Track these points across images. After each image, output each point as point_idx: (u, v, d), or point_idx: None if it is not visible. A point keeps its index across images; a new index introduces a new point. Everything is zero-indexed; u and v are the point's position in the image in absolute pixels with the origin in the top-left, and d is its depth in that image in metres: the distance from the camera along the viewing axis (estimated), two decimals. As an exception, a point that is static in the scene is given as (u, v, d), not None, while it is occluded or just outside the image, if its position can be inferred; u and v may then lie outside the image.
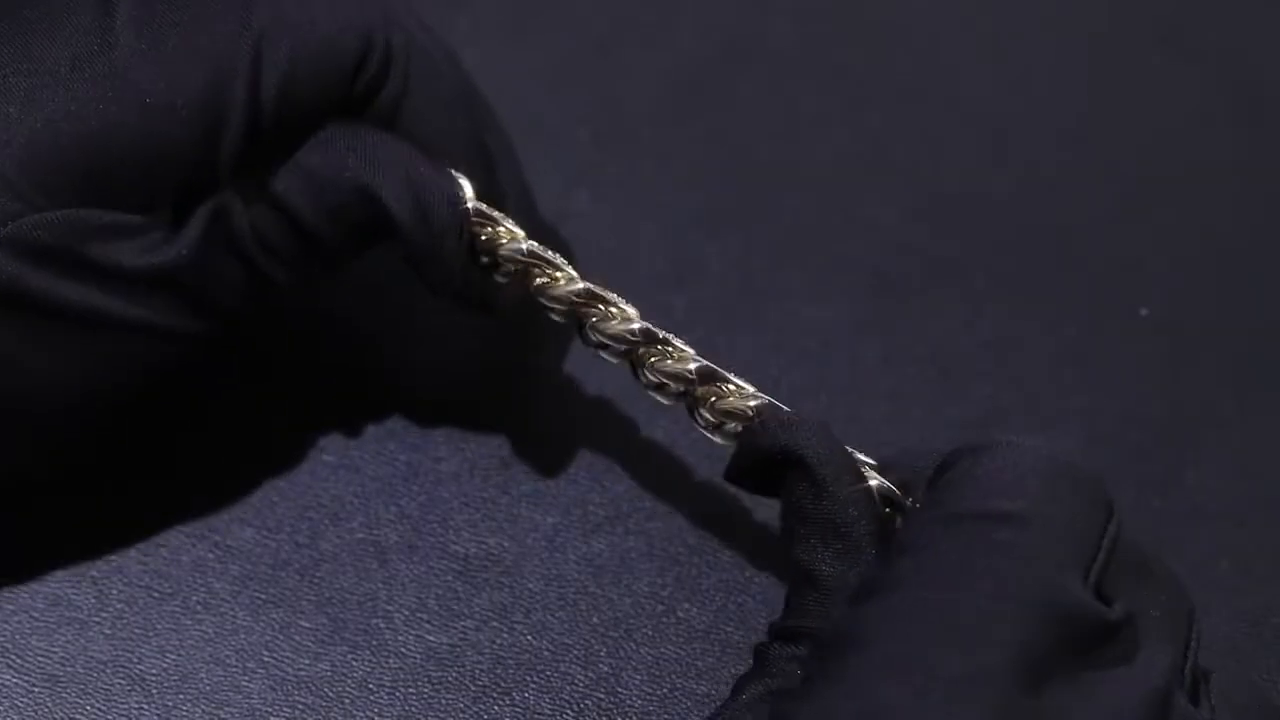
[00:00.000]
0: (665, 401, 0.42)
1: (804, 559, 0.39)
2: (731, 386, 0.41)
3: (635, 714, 0.43)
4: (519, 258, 0.42)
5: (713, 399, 0.41)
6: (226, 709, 0.42)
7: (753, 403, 0.41)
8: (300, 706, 0.42)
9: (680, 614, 0.44)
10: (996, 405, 0.48)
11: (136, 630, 0.43)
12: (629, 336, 0.42)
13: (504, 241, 0.43)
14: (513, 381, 0.47)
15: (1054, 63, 0.54)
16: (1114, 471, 0.47)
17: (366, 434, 0.46)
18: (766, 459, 0.40)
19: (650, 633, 0.44)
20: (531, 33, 0.54)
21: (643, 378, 0.42)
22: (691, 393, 0.41)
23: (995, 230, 0.51)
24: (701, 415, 0.41)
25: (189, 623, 0.43)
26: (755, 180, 0.51)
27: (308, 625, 0.43)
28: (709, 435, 0.42)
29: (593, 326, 0.42)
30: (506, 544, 0.45)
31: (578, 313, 0.42)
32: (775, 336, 0.47)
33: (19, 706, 0.42)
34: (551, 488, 0.46)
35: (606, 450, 0.46)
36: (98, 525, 0.44)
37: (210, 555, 0.44)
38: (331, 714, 0.42)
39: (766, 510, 0.45)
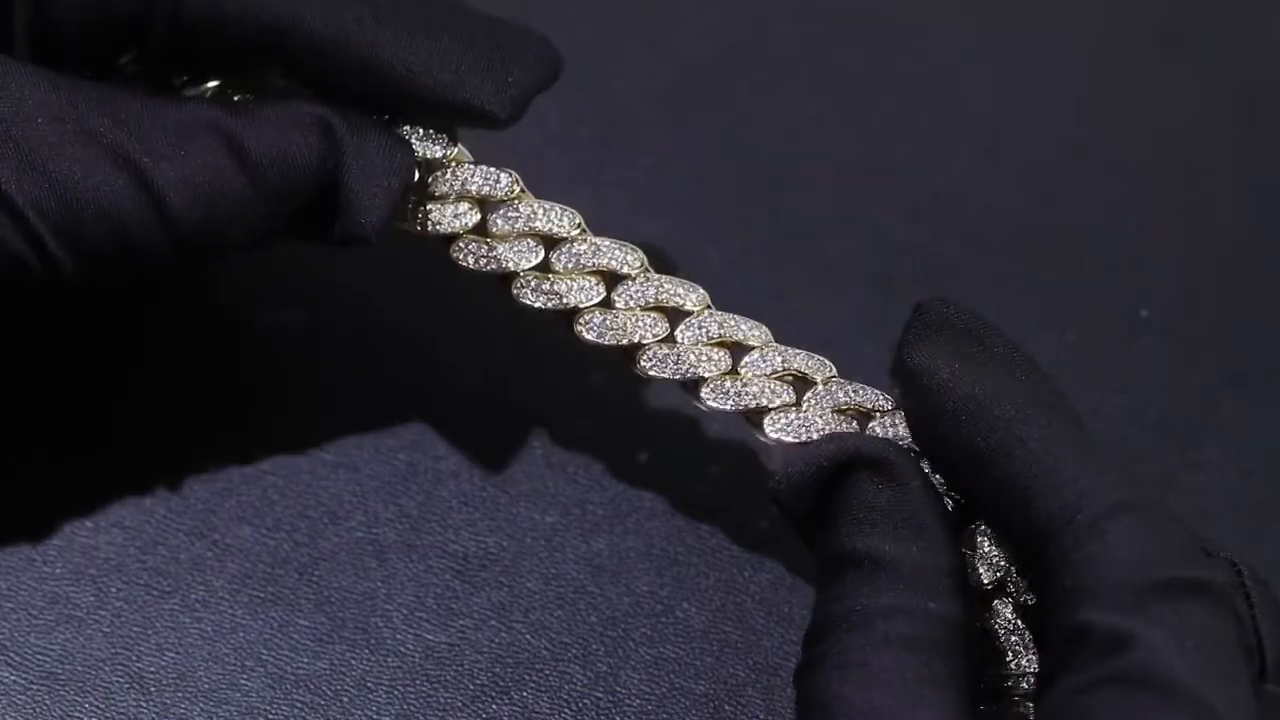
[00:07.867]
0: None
1: (874, 549, 0.38)
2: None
3: (633, 713, 0.43)
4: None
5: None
6: (225, 707, 0.42)
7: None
8: (299, 705, 0.42)
9: (679, 614, 0.44)
10: (996, 405, 0.48)
11: (135, 628, 0.43)
12: None
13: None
14: (513, 381, 0.47)
15: (1054, 63, 0.54)
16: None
17: (366, 433, 0.46)
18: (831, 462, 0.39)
19: (649, 632, 0.44)
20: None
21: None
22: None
23: (995, 230, 0.51)
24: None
25: (188, 621, 0.43)
26: (755, 180, 0.51)
27: (306, 624, 0.43)
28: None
29: None
30: (505, 543, 0.45)
31: None
32: (775, 336, 0.47)
33: (17, 704, 0.42)
34: (551, 488, 0.46)
35: (606, 450, 0.46)
36: (97, 523, 0.44)
37: (209, 553, 0.44)
38: (330, 712, 0.42)
39: (766, 510, 0.45)
